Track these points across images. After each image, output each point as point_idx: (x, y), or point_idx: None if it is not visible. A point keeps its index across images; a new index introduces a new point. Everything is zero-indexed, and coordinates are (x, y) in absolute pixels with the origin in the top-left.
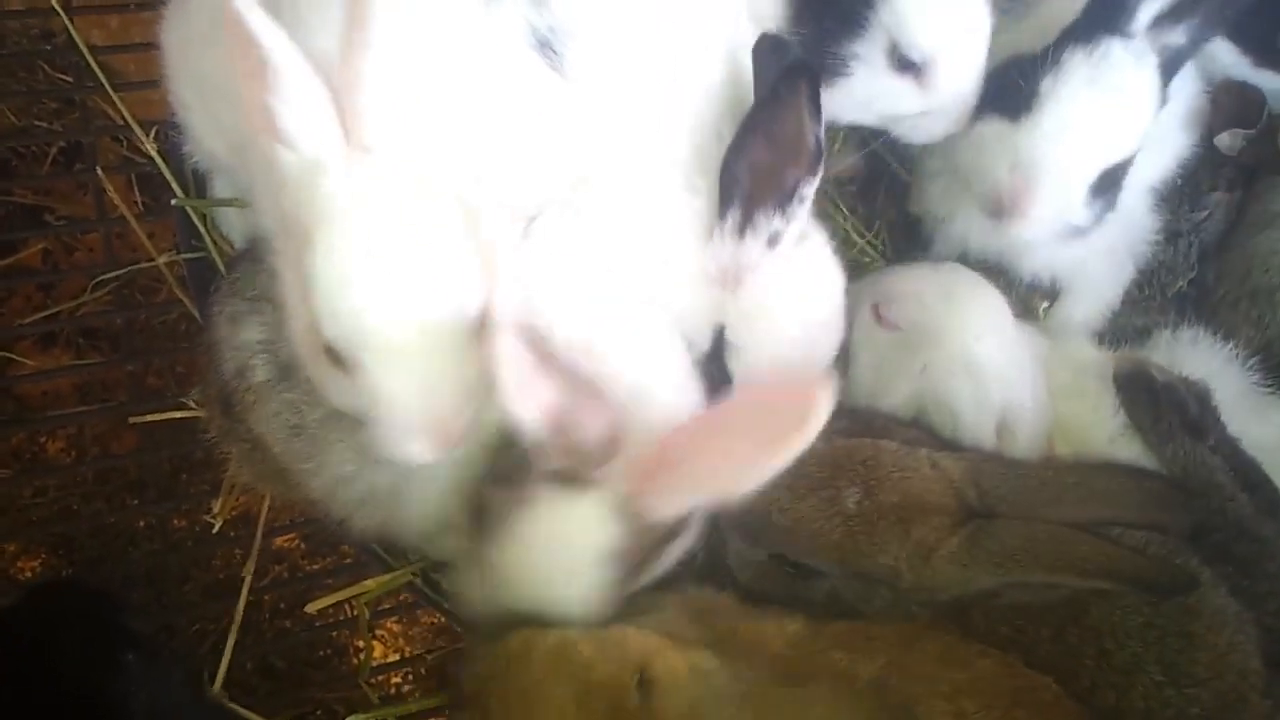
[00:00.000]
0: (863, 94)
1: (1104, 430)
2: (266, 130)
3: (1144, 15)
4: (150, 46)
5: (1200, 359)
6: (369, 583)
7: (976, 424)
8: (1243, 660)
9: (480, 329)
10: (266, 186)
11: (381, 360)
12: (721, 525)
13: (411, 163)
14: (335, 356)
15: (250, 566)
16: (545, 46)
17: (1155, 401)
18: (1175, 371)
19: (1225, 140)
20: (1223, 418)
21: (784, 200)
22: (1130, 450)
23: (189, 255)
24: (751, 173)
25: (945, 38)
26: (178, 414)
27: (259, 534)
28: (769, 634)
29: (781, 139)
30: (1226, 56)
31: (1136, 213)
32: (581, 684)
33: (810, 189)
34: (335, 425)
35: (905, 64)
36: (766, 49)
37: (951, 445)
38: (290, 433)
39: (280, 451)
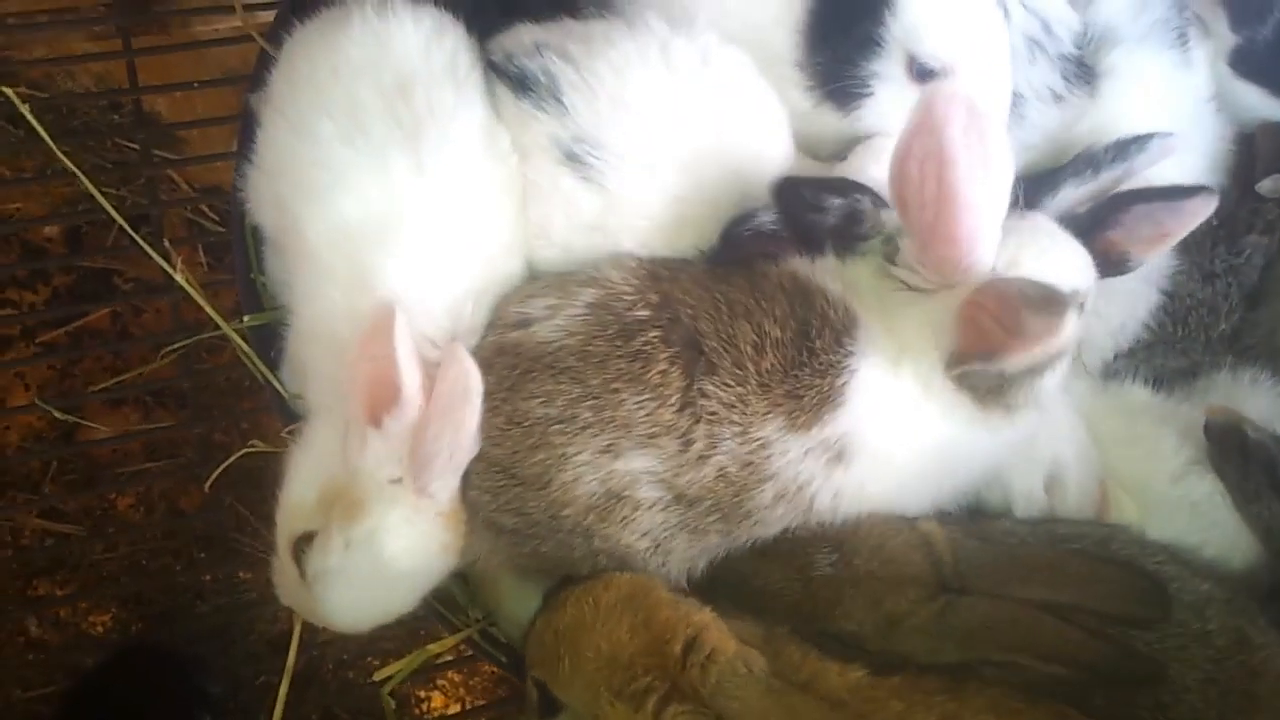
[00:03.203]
0: (889, 110)
1: (1164, 472)
2: (369, 423)
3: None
4: (212, 121)
5: (1262, 401)
6: (432, 646)
7: (1026, 483)
8: None
9: None
10: (329, 405)
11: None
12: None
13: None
14: (297, 552)
15: (298, 625)
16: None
17: (1245, 458)
18: (1268, 429)
19: (1268, 185)
20: None
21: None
22: (1199, 488)
23: (252, 323)
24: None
25: (963, 42)
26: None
27: None
28: (832, 674)
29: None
30: (1253, 99)
31: None
32: (645, 618)
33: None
34: None
35: (926, 73)
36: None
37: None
38: None
39: None
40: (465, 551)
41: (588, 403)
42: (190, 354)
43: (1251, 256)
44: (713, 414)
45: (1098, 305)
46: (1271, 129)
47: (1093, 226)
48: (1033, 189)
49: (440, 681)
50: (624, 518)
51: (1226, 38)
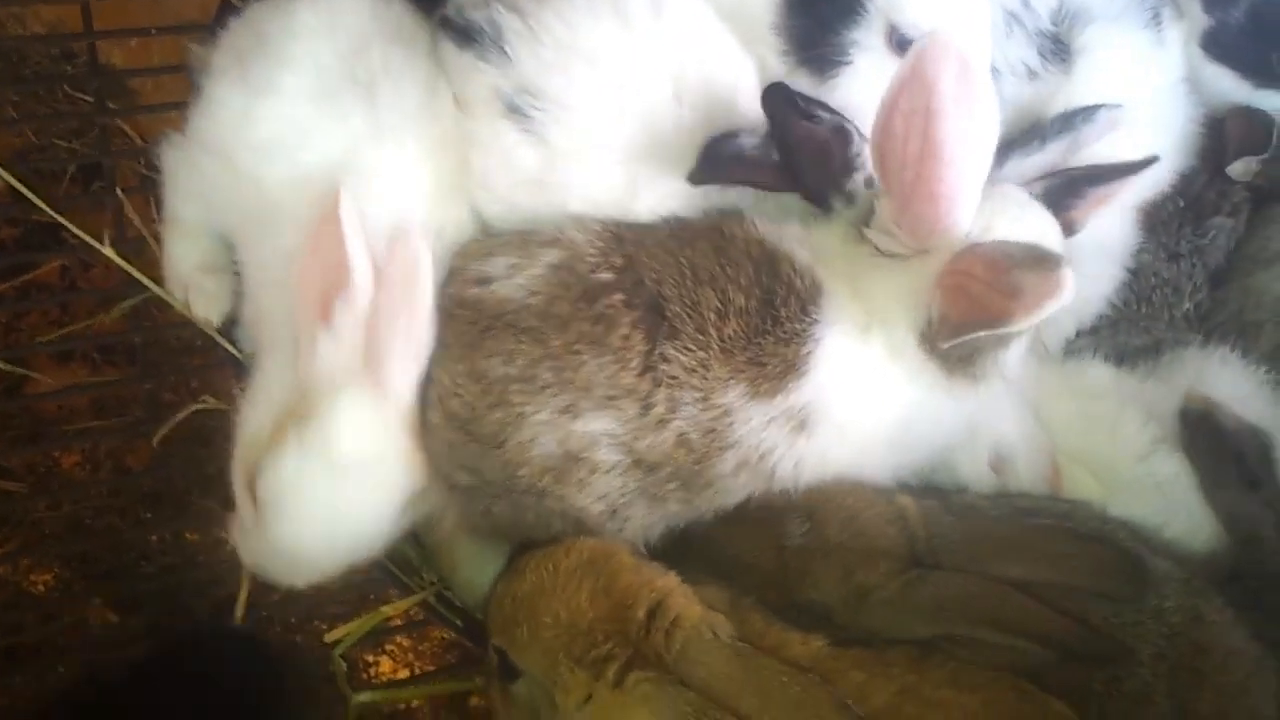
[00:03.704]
0: (867, 80)
1: (1130, 450)
2: (320, 319)
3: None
4: (169, 69)
5: (1230, 379)
6: (385, 608)
7: (972, 463)
8: (1255, 704)
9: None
10: (282, 338)
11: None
12: None
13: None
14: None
15: (243, 592)
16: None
17: (1218, 446)
18: (1243, 419)
19: (1239, 168)
20: None
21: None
22: (1165, 467)
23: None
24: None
25: (944, 12)
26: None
27: None
28: (794, 643)
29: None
30: (1225, 82)
31: (1114, 229)
32: (606, 584)
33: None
34: None
35: (906, 44)
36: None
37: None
38: None
39: None
40: (424, 496)
41: (548, 363)
42: (140, 310)
43: (1216, 238)
44: (673, 378)
45: None
46: (1242, 113)
47: (1049, 208)
48: None
49: (389, 647)
50: (580, 480)
51: (1199, 19)
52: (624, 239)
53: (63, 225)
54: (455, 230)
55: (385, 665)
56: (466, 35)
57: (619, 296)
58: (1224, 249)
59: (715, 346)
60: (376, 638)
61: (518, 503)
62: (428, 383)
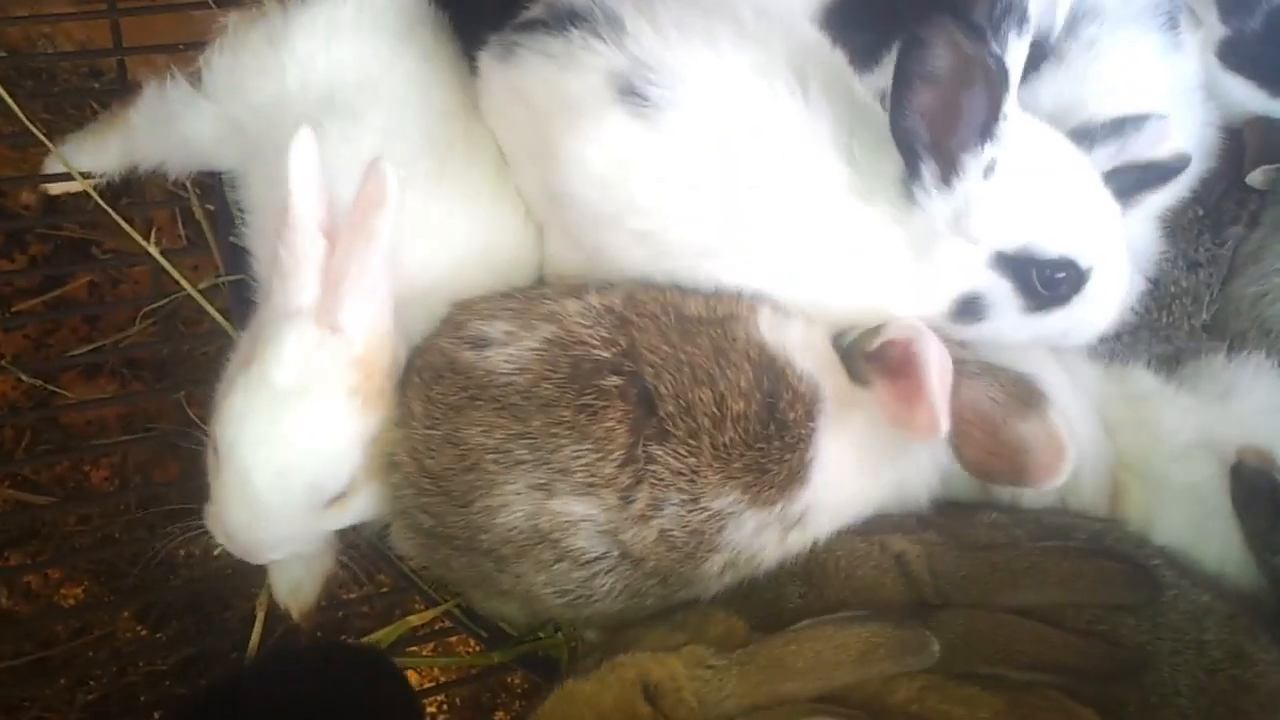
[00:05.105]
0: None
1: (1163, 452)
2: (271, 266)
3: None
4: None
5: (1264, 390)
6: (412, 618)
7: None
8: None
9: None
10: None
11: (232, 481)
12: None
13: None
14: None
15: (264, 597)
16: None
17: (1276, 511)
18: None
19: (1257, 178)
20: None
21: (983, 127)
22: (1198, 469)
23: (230, 278)
24: (927, 120)
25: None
26: None
27: None
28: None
29: (945, 74)
30: (1241, 91)
31: (1136, 236)
32: (594, 719)
33: (1004, 105)
34: None
35: None
36: None
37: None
38: None
39: None
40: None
41: (525, 441)
42: (168, 325)
43: (1234, 247)
44: (659, 479)
45: None
46: (1261, 123)
47: None
48: None
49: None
50: (540, 561)
51: (1216, 29)
52: (629, 322)
53: (95, 241)
54: None
55: (411, 678)
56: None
57: (614, 381)
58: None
59: (708, 453)
60: (400, 648)
61: (477, 563)
62: (400, 427)
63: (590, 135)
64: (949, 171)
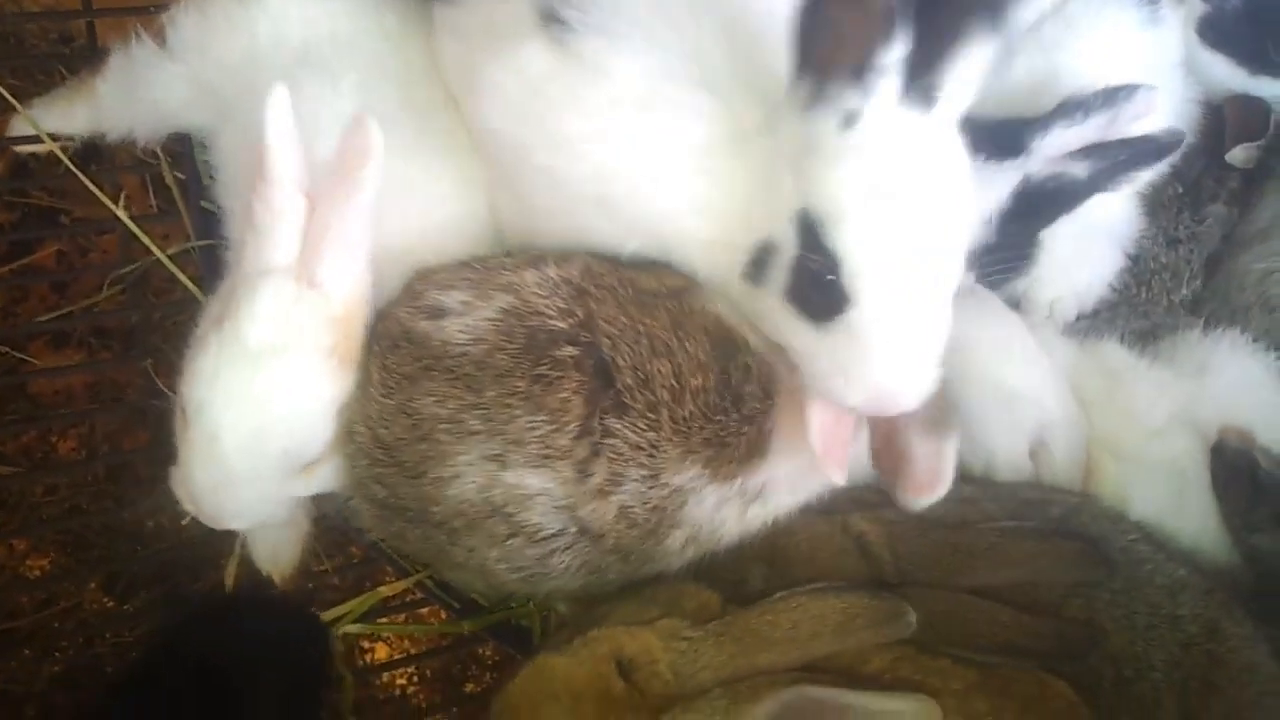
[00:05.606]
0: None
1: (1140, 428)
2: (245, 224)
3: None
4: None
5: (1239, 365)
6: (383, 588)
7: (1010, 451)
8: None
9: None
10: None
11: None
12: None
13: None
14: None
15: (233, 568)
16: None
17: (1256, 490)
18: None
19: (1238, 155)
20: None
21: (857, 73)
22: (1173, 445)
23: (202, 243)
24: (832, 33)
25: None
26: None
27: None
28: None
29: None
30: (1221, 69)
31: (1117, 213)
32: (568, 693)
33: (886, 58)
34: None
35: None
36: None
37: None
38: None
39: None
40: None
41: (478, 411)
42: (137, 293)
43: (1213, 226)
44: (617, 453)
45: (1066, 266)
46: (1240, 100)
47: (1095, 187)
48: (1023, 133)
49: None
50: (493, 536)
51: (1196, 5)
52: (587, 293)
53: (80, 196)
54: None
55: (380, 650)
56: None
57: (570, 351)
58: (1219, 235)
59: (668, 427)
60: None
61: (430, 535)
62: (358, 396)
63: (508, 62)
64: (815, 100)
